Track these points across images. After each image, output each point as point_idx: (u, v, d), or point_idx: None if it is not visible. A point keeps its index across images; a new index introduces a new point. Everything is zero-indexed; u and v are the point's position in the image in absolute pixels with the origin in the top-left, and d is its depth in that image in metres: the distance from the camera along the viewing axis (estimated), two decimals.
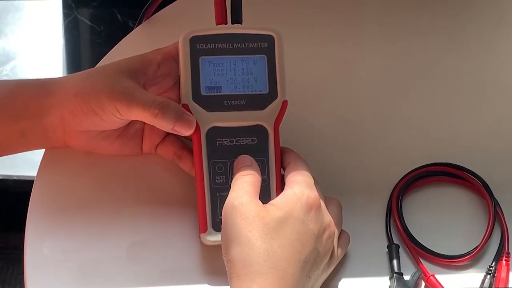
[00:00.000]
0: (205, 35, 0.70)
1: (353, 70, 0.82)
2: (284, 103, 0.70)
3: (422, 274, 0.70)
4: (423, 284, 0.70)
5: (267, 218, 0.62)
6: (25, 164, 1.32)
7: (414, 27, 0.86)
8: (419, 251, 0.71)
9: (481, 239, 0.71)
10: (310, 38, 0.84)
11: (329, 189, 0.74)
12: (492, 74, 0.83)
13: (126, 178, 0.73)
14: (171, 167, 0.73)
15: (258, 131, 0.69)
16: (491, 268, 0.70)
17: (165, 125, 0.67)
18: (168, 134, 0.73)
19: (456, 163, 0.75)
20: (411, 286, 0.68)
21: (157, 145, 0.73)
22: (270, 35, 0.71)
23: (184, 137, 0.70)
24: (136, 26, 0.85)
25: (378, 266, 0.70)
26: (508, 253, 0.71)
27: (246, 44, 0.70)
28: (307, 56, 0.83)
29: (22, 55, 1.47)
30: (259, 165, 0.69)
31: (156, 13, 0.85)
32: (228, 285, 0.62)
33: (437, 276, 0.69)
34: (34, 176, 0.74)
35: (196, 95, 0.69)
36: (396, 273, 0.69)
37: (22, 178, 1.33)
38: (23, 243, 0.70)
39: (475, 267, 0.71)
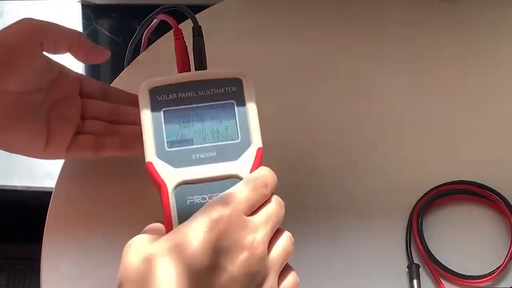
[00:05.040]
0: (166, 85, 0.63)
1: (374, 86, 0.82)
2: (259, 151, 0.63)
3: None
4: None
5: None
6: (44, 175, 1.33)
7: (437, 41, 0.85)
8: (440, 271, 0.70)
9: (503, 259, 0.70)
10: (322, 55, 0.84)
11: (348, 207, 0.74)
12: None
13: (146, 194, 0.72)
14: None
15: (233, 184, 0.61)
16: None
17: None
18: (79, 131, 0.71)
19: (477, 181, 0.74)
20: None
21: (68, 146, 0.70)
22: (237, 79, 0.64)
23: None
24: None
25: (398, 286, 0.70)
26: None
27: (212, 90, 0.63)
28: (321, 74, 0.82)
29: None
30: None
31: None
32: None
33: None
34: (52, 188, 0.73)
35: (161, 151, 0.62)
36: None
37: (40, 189, 1.34)
38: (41, 255, 0.70)
39: None
